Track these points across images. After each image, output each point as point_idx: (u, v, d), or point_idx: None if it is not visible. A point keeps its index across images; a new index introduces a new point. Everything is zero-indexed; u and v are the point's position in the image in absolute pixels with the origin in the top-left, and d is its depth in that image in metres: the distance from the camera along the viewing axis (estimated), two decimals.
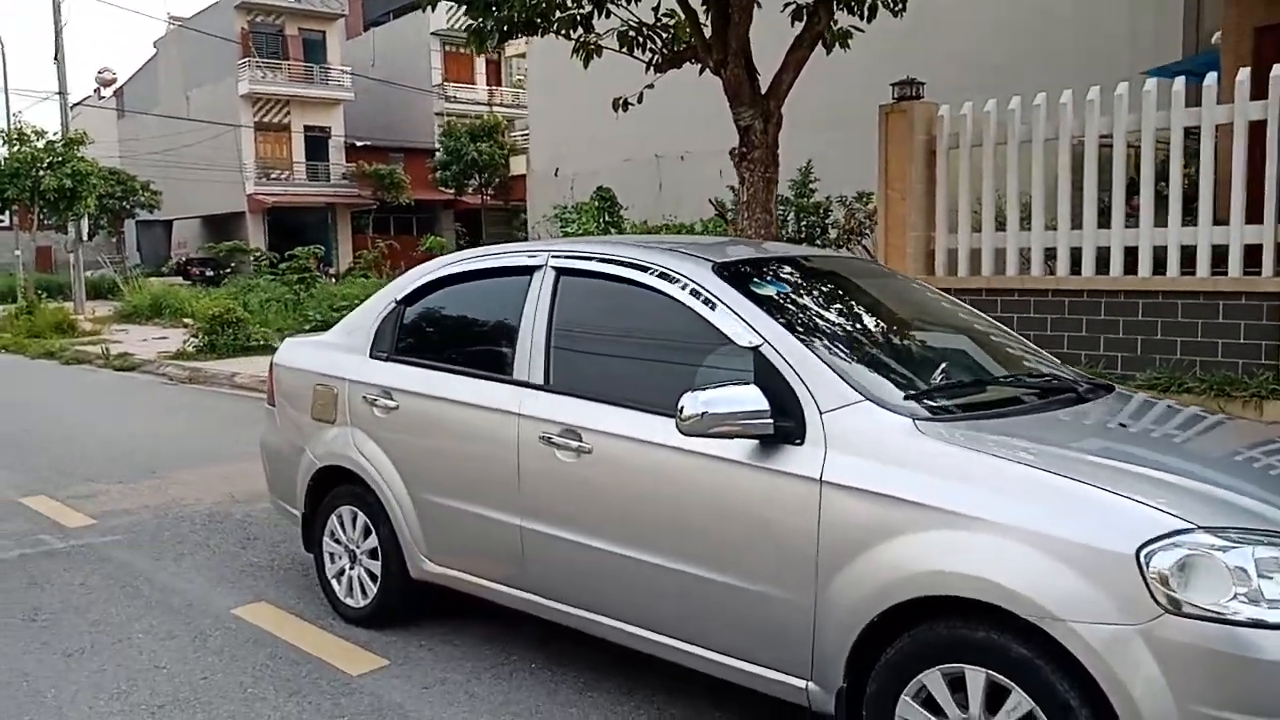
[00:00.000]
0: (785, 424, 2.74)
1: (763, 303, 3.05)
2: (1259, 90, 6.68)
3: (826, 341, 2.95)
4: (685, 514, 2.96)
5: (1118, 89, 7.58)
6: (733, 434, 2.73)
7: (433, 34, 42.31)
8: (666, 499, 3.01)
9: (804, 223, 15.16)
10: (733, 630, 2.88)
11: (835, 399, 2.72)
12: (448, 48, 42.92)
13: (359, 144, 40.68)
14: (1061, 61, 14.23)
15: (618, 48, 8.93)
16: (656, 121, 22.35)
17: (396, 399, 3.89)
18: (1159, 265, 7.25)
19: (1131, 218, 7.55)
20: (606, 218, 18.94)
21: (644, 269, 3.29)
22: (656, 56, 8.81)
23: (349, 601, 4.18)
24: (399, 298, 4.12)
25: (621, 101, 8.88)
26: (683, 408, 2.74)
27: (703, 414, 2.71)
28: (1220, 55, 10.91)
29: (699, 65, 8.79)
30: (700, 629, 2.97)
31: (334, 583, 4.26)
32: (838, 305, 3.39)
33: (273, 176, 39.14)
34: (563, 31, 8.88)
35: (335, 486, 4.24)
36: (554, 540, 3.33)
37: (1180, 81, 7.35)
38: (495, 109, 40.80)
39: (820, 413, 2.71)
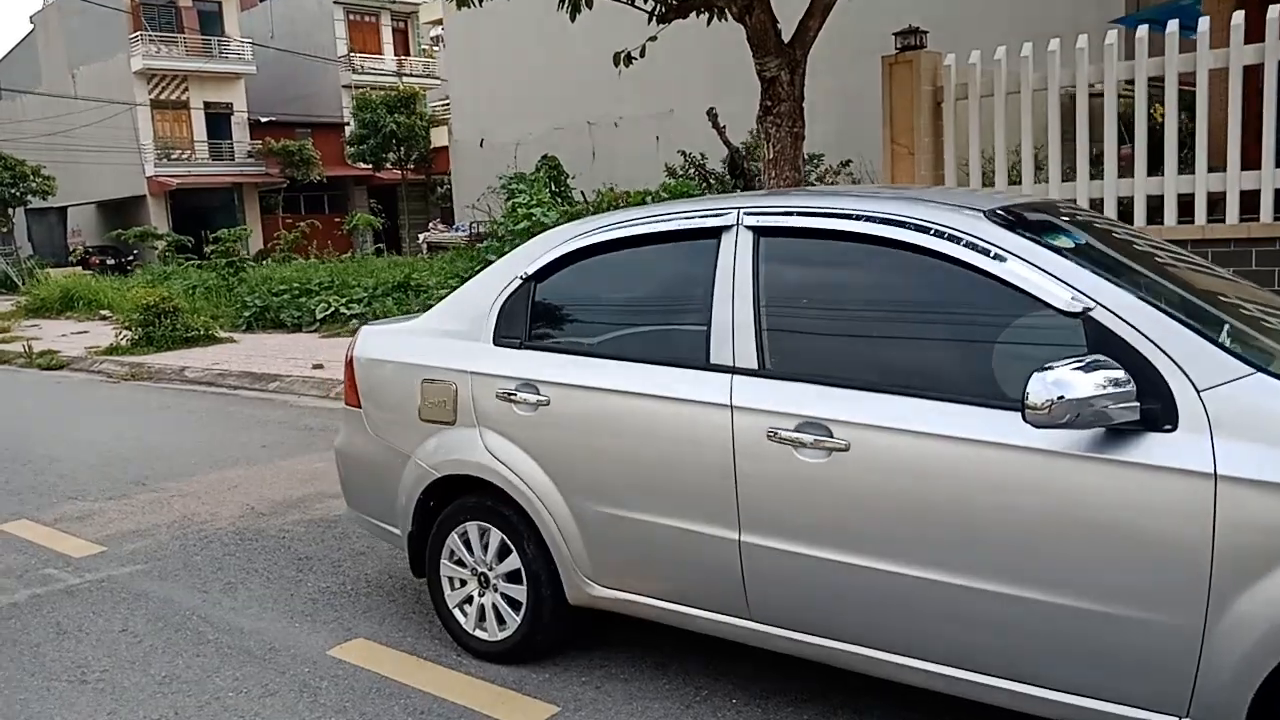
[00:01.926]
0: (1151, 406, 2.22)
1: (1072, 256, 2.52)
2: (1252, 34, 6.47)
3: (1166, 302, 2.43)
4: (1002, 523, 2.42)
5: (1107, 37, 7.27)
6: (1094, 423, 2.20)
7: (335, 2, 40.43)
8: (971, 505, 2.46)
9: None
10: (1074, 662, 2.36)
11: (1216, 372, 2.21)
12: (352, 16, 41.06)
13: (264, 120, 38.62)
14: (1009, 15, 14.03)
15: None
16: (587, 86, 21.79)
17: (545, 393, 3.25)
18: (1154, 213, 7.12)
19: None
20: (555, 187, 18.21)
21: (893, 223, 2.71)
22: (660, 6, 8.15)
23: (481, 634, 3.54)
24: (527, 273, 3.45)
25: (624, 56, 8.23)
26: (1029, 394, 2.20)
27: (1058, 399, 2.17)
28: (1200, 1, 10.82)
29: (707, 14, 8.20)
30: (1021, 661, 2.44)
31: (458, 612, 3.61)
32: (1137, 258, 2.85)
33: (174, 157, 36.88)
34: None
35: (456, 499, 3.58)
36: (791, 558, 2.76)
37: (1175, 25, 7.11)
38: (406, 79, 39.21)
39: (1197, 390, 2.20)
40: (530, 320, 3.42)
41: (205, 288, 18.52)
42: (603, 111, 22.00)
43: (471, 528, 3.52)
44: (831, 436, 2.66)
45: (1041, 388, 2.19)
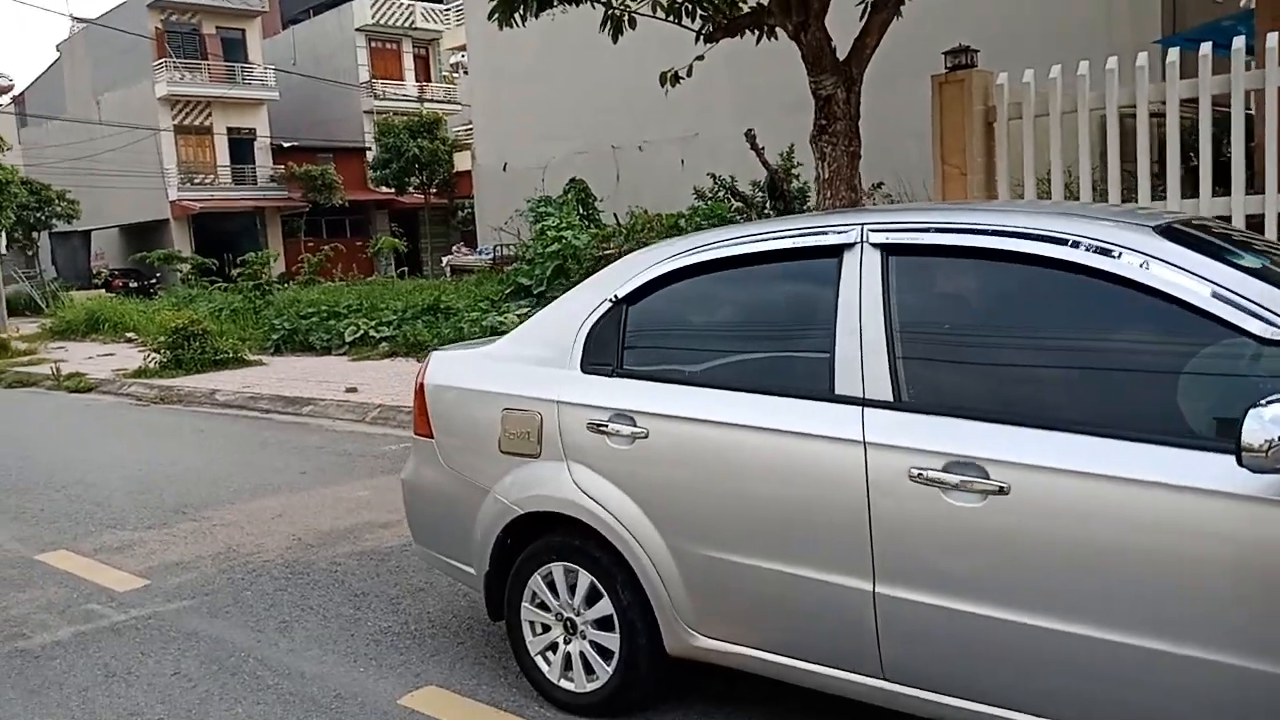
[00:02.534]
0: None
1: (1259, 276, 2.25)
2: None
3: None
4: (1195, 577, 2.14)
5: (1169, 56, 7.04)
6: None
7: (357, 29, 40.66)
8: (1157, 557, 2.17)
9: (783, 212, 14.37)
10: None
11: None
12: (374, 43, 41.28)
13: (286, 145, 38.75)
14: (1032, 39, 13.85)
15: (659, 15, 8.07)
16: (611, 110, 21.69)
17: (643, 425, 2.99)
18: None
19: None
20: (582, 210, 18.05)
21: (1050, 239, 2.45)
22: (708, 25, 7.96)
23: (567, 685, 3.27)
24: (617, 295, 3.21)
25: (671, 75, 8.03)
26: (1246, 433, 1.93)
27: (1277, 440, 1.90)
28: (1255, 20, 10.60)
29: (757, 33, 8.00)
30: None
31: (540, 660, 3.34)
32: None
33: (197, 181, 37.00)
34: None
35: (539, 538, 3.32)
36: (936, 613, 2.48)
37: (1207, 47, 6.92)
38: (427, 104, 39.32)
39: None
40: (622, 346, 3.17)
41: (231, 310, 18.41)
42: (626, 135, 21.90)
43: (557, 569, 3.26)
44: (987, 478, 2.38)
45: (1259, 426, 1.92)
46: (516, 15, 7.69)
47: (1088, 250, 2.38)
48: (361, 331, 15.28)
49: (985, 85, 8.12)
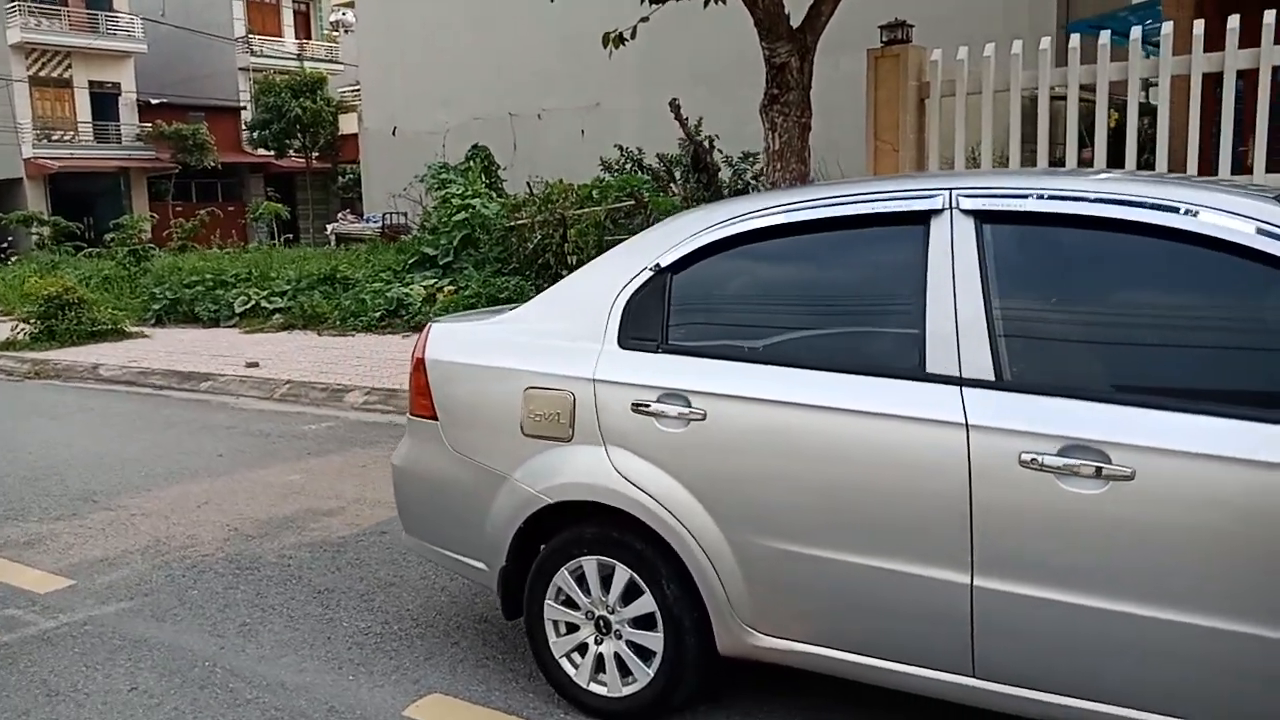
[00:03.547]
0: None
1: None
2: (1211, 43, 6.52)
3: None
4: None
5: (1103, 38, 7.17)
6: None
7: None
8: None
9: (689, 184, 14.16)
10: None
11: None
12: None
13: (154, 102, 36.31)
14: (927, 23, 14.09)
15: None
16: (509, 76, 21.09)
17: (699, 405, 2.71)
18: None
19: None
20: (486, 179, 17.45)
21: (1165, 208, 2.29)
22: None
23: (597, 689, 2.98)
24: (660, 264, 2.91)
25: (615, 36, 7.66)
26: None
27: None
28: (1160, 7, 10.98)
29: None
30: None
31: (565, 663, 3.04)
32: None
33: (55, 138, 34.31)
34: None
35: (567, 529, 3.01)
36: (1043, 606, 2.30)
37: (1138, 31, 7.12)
38: (307, 63, 37.51)
39: None
40: (668, 319, 2.88)
41: (103, 278, 17.12)
42: (525, 103, 21.34)
43: (589, 563, 2.96)
44: (1109, 462, 2.22)
45: None
46: None
47: (1186, 215, 2.23)
48: (253, 302, 14.44)
49: (920, 61, 8.08)
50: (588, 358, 2.94)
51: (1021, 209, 2.46)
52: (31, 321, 12.61)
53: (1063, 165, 7.49)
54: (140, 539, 4.89)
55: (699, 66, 16.16)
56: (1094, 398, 2.29)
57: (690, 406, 2.73)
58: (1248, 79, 6.70)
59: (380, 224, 24.80)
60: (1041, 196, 2.45)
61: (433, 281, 13.90)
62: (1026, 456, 2.29)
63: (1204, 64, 6.62)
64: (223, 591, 4.16)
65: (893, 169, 8.18)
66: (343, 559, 4.52)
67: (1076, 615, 2.28)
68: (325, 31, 40.96)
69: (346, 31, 37.86)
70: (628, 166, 15.36)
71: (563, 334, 3.05)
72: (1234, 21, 6.48)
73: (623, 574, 2.90)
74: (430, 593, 4.08)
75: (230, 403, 8.91)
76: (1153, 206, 2.31)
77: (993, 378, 2.40)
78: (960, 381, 2.42)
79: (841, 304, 2.74)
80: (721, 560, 2.71)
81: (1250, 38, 6.48)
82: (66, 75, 34.86)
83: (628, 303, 2.95)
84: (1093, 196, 2.40)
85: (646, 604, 2.87)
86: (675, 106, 11.12)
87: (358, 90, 28.66)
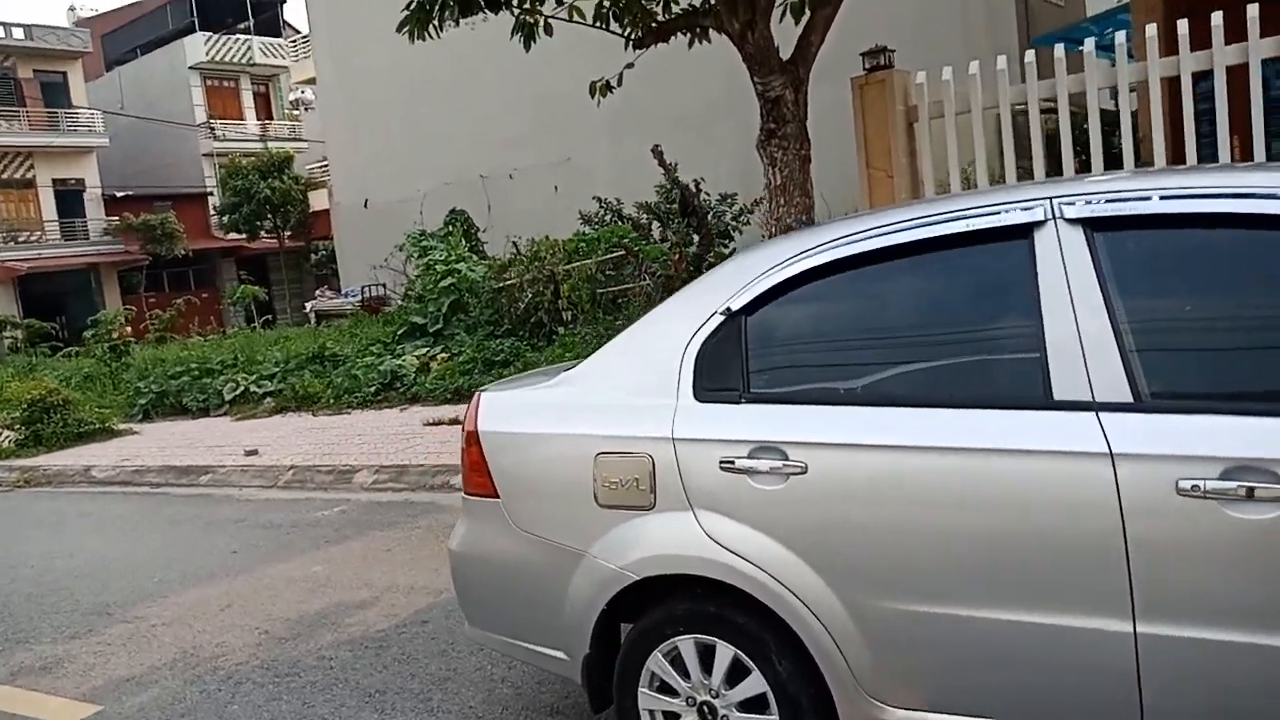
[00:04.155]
0: None
1: None
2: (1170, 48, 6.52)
3: None
4: None
5: (1088, 46, 7.13)
6: None
7: (191, 68, 38.44)
8: None
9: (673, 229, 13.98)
10: None
11: None
12: (210, 82, 39.08)
13: (120, 195, 36.10)
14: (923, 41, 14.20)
15: (582, 20, 7.62)
16: (477, 139, 21.05)
17: (797, 458, 2.47)
18: None
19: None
20: (466, 242, 17.29)
21: None
22: (636, 31, 7.54)
23: None
24: (733, 308, 2.69)
25: (601, 85, 7.53)
26: None
27: None
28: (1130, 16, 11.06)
29: (689, 36, 7.64)
30: None
31: None
32: None
33: (22, 239, 33.98)
34: (525, 4, 7.47)
35: (657, 608, 2.75)
36: (1223, 650, 2.06)
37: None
38: (270, 143, 37.46)
39: None
40: (747, 366, 2.66)
41: (84, 376, 16.75)
42: (495, 164, 21.30)
43: (685, 643, 2.70)
44: None
45: None
46: (432, 26, 7.08)
47: None
48: (242, 388, 14.10)
49: (905, 85, 8.01)
50: (663, 415, 2.70)
51: (1136, 212, 2.26)
52: (15, 428, 12.23)
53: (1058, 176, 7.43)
54: (166, 652, 4.56)
55: (669, 112, 16.12)
56: (1247, 412, 2.07)
57: (787, 460, 2.49)
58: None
59: (360, 297, 24.54)
60: (1158, 197, 2.25)
61: (425, 350, 13.66)
62: (1185, 484, 2.07)
63: (1193, 63, 6.59)
64: (265, 704, 3.85)
65: (888, 196, 8.06)
66: (388, 655, 4.22)
67: (1260, 656, 2.04)
68: (286, 110, 40.99)
69: (307, 109, 37.92)
70: (607, 218, 15.25)
71: (631, 391, 2.81)
72: (1184, 27, 6.48)
73: (725, 652, 2.64)
74: (490, 685, 3.79)
75: (234, 494, 8.58)
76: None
77: (1130, 399, 2.18)
78: (1095, 406, 2.20)
79: (945, 332, 2.52)
80: (838, 626, 2.46)
81: (1232, 33, 6.46)
82: (29, 175, 34.62)
83: (700, 352, 2.72)
84: (1214, 192, 2.20)
85: (756, 684, 2.61)
86: (658, 153, 11.02)
87: (325, 166, 28.60)
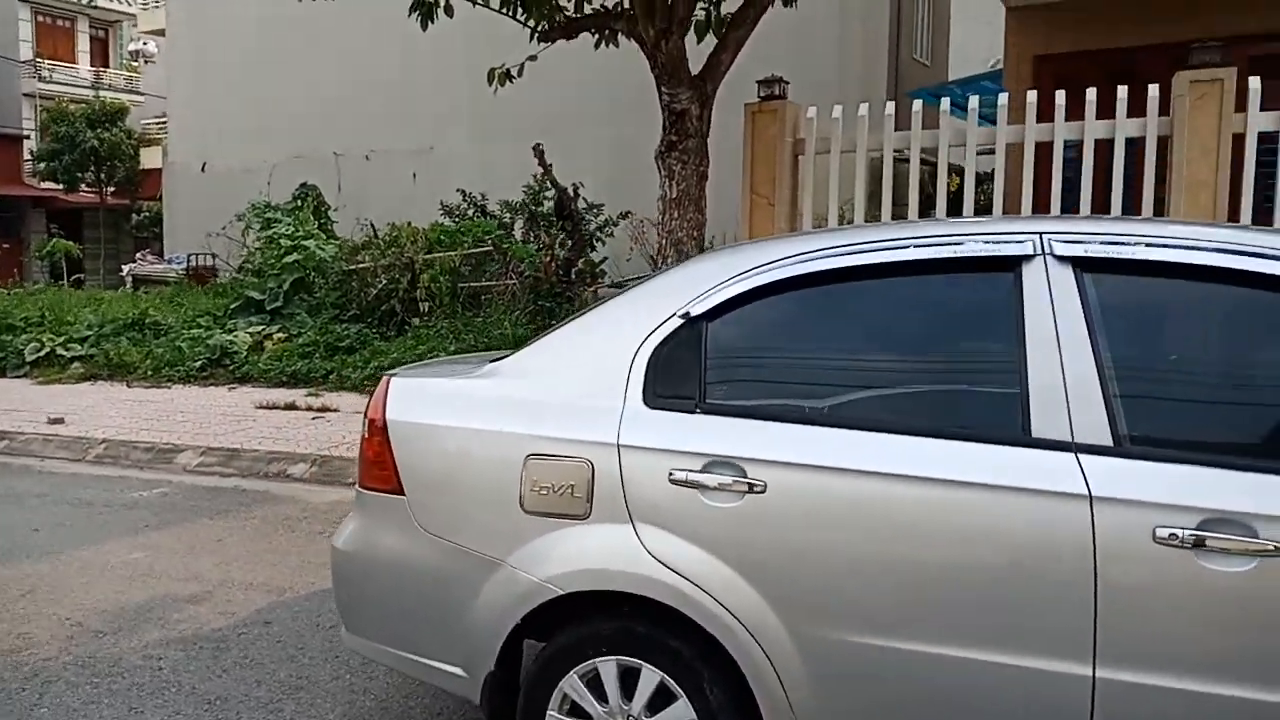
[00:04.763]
0: None
1: None
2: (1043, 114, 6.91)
3: None
4: None
5: (973, 103, 7.50)
6: None
7: (23, 0, 35.18)
8: None
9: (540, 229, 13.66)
10: None
11: None
12: (42, 18, 35.80)
13: None
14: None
15: (486, 5, 7.37)
16: (334, 115, 20.19)
17: (759, 476, 2.29)
18: None
19: None
20: (316, 220, 16.42)
21: None
22: (543, 24, 7.32)
23: None
24: (693, 312, 2.50)
25: (501, 73, 7.25)
26: None
27: None
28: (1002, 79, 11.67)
29: (597, 36, 7.49)
30: None
31: None
32: None
33: None
34: None
35: (579, 625, 2.51)
36: (1181, 698, 2.01)
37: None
38: (103, 92, 34.65)
39: None
40: (705, 375, 2.47)
41: None
42: (351, 143, 20.43)
43: (606, 665, 2.47)
44: (1257, 536, 1.97)
45: None
46: None
47: None
48: (47, 349, 12.82)
49: (796, 117, 8.11)
50: (607, 419, 2.48)
51: (1129, 256, 2.22)
52: None
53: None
54: None
55: (535, 115, 15.78)
56: (1227, 465, 2.05)
57: (745, 476, 2.32)
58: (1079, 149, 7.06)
59: (185, 265, 22.93)
60: (1152, 244, 2.22)
61: (260, 328, 12.82)
62: (1163, 532, 2.02)
63: (1064, 132, 6.94)
64: (81, 708, 3.35)
65: (768, 224, 8.12)
66: (227, 658, 3.77)
67: (1219, 707, 2.01)
68: (125, 60, 38.07)
69: (147, 61, 35.38)
70: (470, 212, 14.82)
71: (571, 391, 2.57)
72: (1061, 97, 6.87)
73: (651, 676, 2.43)
74: (350, 696, 3.43)
75: (35, 466, 7.70)
76: (1276, 257, 2.12)
77: (1110, 443, 2.12)
78: (1074, 447, 2.13)
79: (920, 359, 2.40)
80: (782, 658, 2.29)
81: (1101, 110, 6.88)
82: None
83: (653, 356, 2.51)
84: (1209, 245, 2.18)
85: (681, 713, 2.40)
86: (539, 151, 10.75)
87: (163, 123, 26.68)
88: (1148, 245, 2.22)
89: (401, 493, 2.68)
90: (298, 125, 20.82)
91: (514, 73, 7.24)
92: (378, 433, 2.74)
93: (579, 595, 2.46)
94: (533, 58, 7.16)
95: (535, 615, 2.51)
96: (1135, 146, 6.82)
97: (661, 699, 2.43)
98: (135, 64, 36.57)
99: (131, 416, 9.20)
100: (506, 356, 2.85)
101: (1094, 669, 2.08)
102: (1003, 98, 7.32)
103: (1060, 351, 2.19)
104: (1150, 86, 6.78)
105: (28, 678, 3.59)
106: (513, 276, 11.30)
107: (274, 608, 4.32)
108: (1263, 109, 6.46)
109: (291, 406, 9.46)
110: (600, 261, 11.89)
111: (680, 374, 2.48)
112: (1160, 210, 6.78)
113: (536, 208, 13.74)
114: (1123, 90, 6.84)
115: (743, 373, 2.53)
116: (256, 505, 6.25)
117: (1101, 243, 2.25)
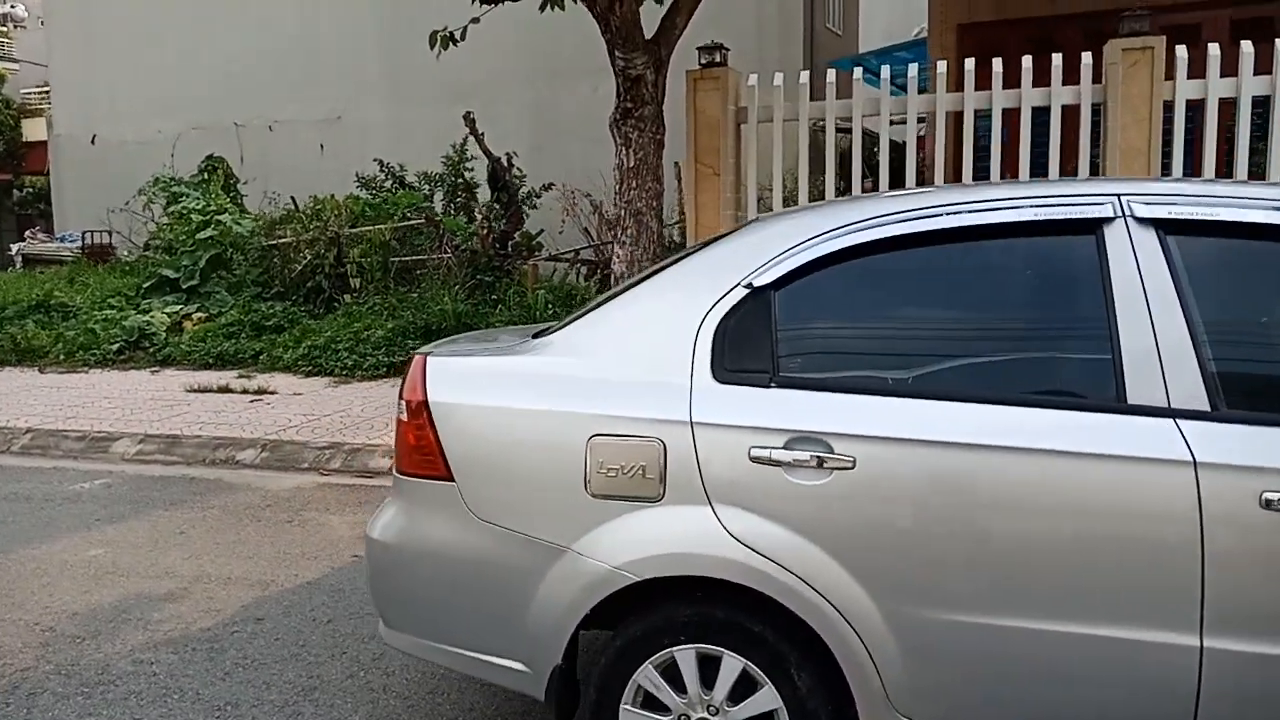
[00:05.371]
0: None
1: None
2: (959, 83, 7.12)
3: None
4: None
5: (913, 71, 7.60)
6: None
7: None
8: None
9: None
10: None
11: None
12: None
13: None
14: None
15: None
16: (235, 84, 19.34)
17: (846, 452, 2.22)
18: None
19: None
20: (226, 193, 15.71)
21: None
22: None
23: None
24: (758, 282, 2.40)
25: (444, 36, 6.98)
26: None
27: None
28: (926, 48, 11.81)
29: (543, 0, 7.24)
30: None
31: None
32: None
33: None
34: None
35: (653, 613, 2.40)
36: None
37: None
38: None
39: None
40: (777, 346, 2.37)
41: None
42: (254, 113, 19.57)
43: (684, 654, 2.37)
44: None
45: None
46: None
47: None
48: None
49: (737, 85, 8.06)
50: (676, 396, 2.37)
51: (1215, 218, 2.20)
52: None
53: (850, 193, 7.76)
54: None
55: (450, 81, 15.27)
56: None
57: (832, 452, 2.24)
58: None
59: (80, 243, 21.74)
60: (1236, 205, 2.20)
61: (177, 308, 12.24)
62: (1270, 495, 2.02)
63: (1002, 100, 7.01)
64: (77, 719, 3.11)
65: (714, 193, 8.06)
66: (226, 660, 3.55)
67: None
68: None
69: (17, 26, 33.27)
70: (388, 184, 14.35)
71: (633, 367, 2.45)
72: (970, 64, 7.00)
73: (733, 664, 2.34)
74: (371, 695, 3.26)
75: None
76: None
77: (1208, 408, 2.11)
78: (1171, 413, 2.11)
79: (1004, 325, 2.35)
80: (876, 638, 2.23)
81: (1009, 79, 7.03)
82: None
83: (719, 328, 2.40)
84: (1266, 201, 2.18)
85: (766, 700, 2.33)
86: (470, 120, 10.43)
87: (46, 93, 25.13)
88: (1233, 206, 2.20)
89: (450, 478, 2.53)
90: (195, 94, 19.87)
91: (456, 34, 6.97)
92: (419, 415, 2.57)
93: (652, 582, 2.35)
94: (475, 20, 6.90)
95: (602, 604, 2.40)
96: (1043, 116, 7.00)
97: (744, 687, 2.35)
98: (3, 28, 34.39)
99: (52, 404, 8.67)
100: (551, 331, 2.71)
101: (1201, 639, 2.07)
102: (940, 65, 7.39)
103: (1151, 316, 2.16)
104: (1084, 55, 6.93)
105: (9, 691, 3.32)
106: (447, 250, 10.99)
107: (261, 603, 4.10)
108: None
109: (225, 389, 9.05)
110: (537, 234, 11.64)
111: (750, 346, 2.38)
112: (1096, 174, 6.96)
113: (457, 179, 13.35)
114: (1057, 58, 6.98)
115: (817, 343, 2.44)
116: (212, 494, 5.94)
117: (1186, 204, 2.23)
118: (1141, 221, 2.23)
